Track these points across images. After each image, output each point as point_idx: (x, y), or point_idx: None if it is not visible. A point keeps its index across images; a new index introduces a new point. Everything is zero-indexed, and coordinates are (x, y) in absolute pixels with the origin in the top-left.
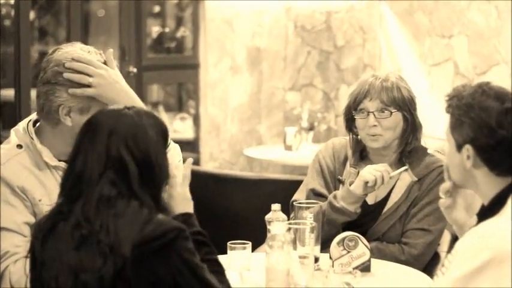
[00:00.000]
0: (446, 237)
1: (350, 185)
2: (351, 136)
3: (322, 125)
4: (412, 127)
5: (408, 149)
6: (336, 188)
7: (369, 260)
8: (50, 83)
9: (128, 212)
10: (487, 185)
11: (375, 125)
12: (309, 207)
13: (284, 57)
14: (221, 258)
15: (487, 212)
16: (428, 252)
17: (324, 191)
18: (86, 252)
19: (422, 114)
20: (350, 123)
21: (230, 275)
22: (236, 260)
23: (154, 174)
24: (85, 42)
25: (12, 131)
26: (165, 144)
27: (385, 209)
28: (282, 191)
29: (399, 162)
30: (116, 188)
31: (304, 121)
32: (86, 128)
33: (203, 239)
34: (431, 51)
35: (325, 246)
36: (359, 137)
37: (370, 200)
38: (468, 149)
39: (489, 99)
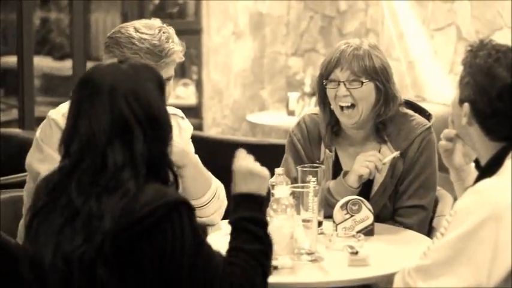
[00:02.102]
0: (449, 201)
1: (344, 176)
2: (323, 109)
3: None
4: (385, 98)
5: (379, 120)
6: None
7: (372, 224)
8: (104, 52)
9: (122, 185)
10: (482, 145)
11: (346, 95)
12: (312, 172)
13: (287, 22)
14: (225, 222)
15: (484, 173)
16: (423, 227)
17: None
18: (70, 230)
19: (425, 78)
20: (323, 94)
21: None
22: None
23: (160, 131)
24: (87, 8)
25: None
26: (164, 97)
27: (373, 192)
28: None
29: (377, 134)
30: (120, 159)
31: (306, 86)
32: (82, 87)
33: (249, 228)
34: (434, 15)
35: None
36: (331, 107)
37: None
38: (466, 107)
39: (500, 67)
